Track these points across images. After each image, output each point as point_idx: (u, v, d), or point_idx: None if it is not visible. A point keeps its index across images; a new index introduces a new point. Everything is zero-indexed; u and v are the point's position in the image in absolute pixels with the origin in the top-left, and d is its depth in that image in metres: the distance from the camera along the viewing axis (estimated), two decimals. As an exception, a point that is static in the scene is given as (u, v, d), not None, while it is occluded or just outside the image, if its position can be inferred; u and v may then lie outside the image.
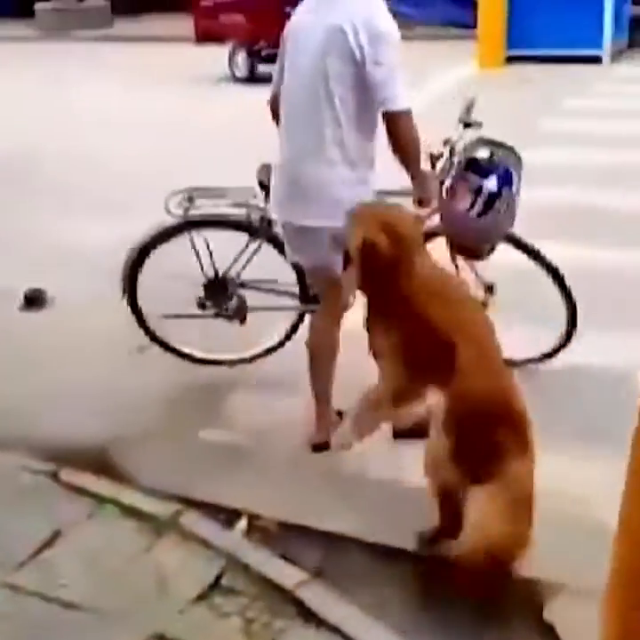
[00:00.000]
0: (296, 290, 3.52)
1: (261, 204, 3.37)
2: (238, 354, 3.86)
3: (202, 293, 3.64)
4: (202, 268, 3.58)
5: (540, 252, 3.49)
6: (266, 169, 3.26)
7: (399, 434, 3.24)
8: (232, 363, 3.86)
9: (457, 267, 3.56)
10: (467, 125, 3.41)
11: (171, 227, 3.55)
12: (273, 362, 3.83)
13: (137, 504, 2.88)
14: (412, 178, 3.00)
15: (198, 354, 3.89)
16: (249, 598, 2.42)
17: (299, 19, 3.00)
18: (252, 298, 3.68)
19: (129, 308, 3.77)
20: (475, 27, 12.60)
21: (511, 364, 3.65)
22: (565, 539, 2.70)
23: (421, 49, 10.54)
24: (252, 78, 12.29)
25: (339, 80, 2.83)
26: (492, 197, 3.07)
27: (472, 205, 3.07)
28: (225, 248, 3.58)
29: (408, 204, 3.16)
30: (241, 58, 12.55)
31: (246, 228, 3.51)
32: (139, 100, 10.97)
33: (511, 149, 3.21)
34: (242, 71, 12.55)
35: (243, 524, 2.87)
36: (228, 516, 2.89)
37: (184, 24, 17.62)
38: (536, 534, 2.68)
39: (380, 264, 2.54)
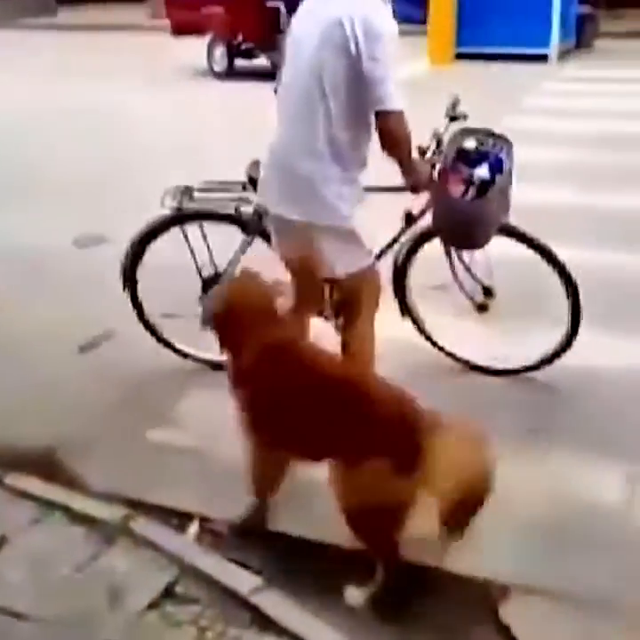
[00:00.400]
0: None
1: (252, 199, 3.37)
2: None
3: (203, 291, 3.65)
4: (196, 263, 3.59)
5: (551, 251, 3.41)
6: (256, 165, 3.27)
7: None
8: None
9: (454, 269, 3.56)
10: (453, 119, 3.43)
11: (163, 219, 3.58)
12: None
13: (86, 509, 2.81)
14: (404, 171, 2.99)
15: (197, 353, 3.85)
16: (202, 606, 2.37)
17: (300, 14, 2.98)
18: None
19: (130, 303, 3.76)
20: (425, 23, 12.67)
21: (508, 372, 3.68)
22: (517, 540, 2.72)
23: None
24: (231, 73, 12.17)
25: (332, 74, 2.79)
26: (485, 185, 3.05)
27: (465, 194, 3.05)
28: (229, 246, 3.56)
29: (398, 199, 3.24)
30: (219, 52, 12.35)
31: (237, 221, 3.51)
32: (101, 93, 10.73)
33: (500, 136, 3.21)
34: (220, 65, 12.38)
35: (194, 528, 2.82)
36: (179, 521, 2.84)
37: (134, 13, 17.42)
38: (489, 537, 2.69)
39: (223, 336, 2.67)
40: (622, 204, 5.86)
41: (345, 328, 3.22)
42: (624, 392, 3.56)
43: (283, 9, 11.69)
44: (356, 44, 2.72)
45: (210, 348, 3.77)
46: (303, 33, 2.88)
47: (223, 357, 3.68)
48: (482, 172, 3.05)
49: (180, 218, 3.56)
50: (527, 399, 3.57)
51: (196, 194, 3.52)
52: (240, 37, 12.09)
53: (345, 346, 3.20)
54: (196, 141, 7.89)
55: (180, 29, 13.12)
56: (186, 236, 3.57)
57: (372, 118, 2.85)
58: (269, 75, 11.66)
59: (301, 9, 3.00)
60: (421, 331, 3.78)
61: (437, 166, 3.17)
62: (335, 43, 2.74)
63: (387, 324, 3.35)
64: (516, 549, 2.68)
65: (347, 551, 2.65)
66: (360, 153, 2.96)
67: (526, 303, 3.82)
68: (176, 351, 3.88)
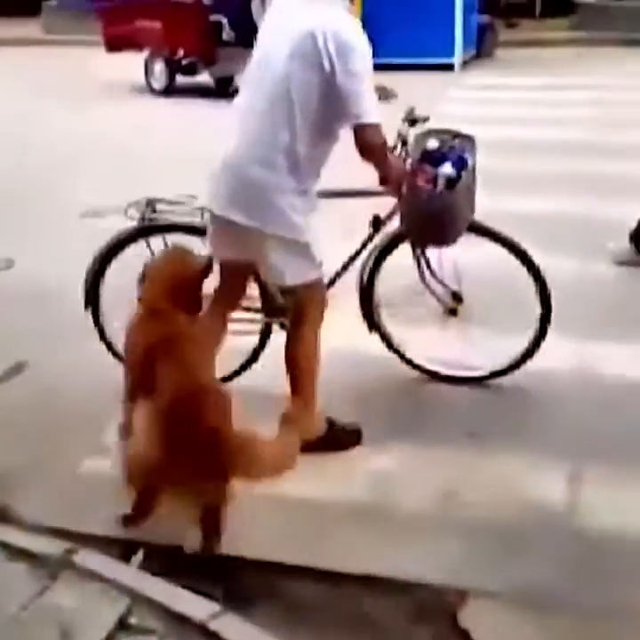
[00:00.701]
0: (258, 303, 3.43)
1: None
2: None
3: None
4: None
5: (525, 251, 3.46)
6: None
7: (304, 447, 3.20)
8: None
9: (422, 274, 3.54)
10: (412, 123, 3.46)
11: (127, 233, 3.48)
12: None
13: (24, 544, 2.67)
14: (381, 170, 3.03)
15: None
16: (159, 636, 2.28)
17: (266, 28, 2.97)
18: None
19: (92, 321, 3.61)
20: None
21: (477, 379, 3.67)
22: (467, 544, 2.74)
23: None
24: (172, 90, 11.51)
25: (302, 87, 2.78)
26: (452, 182, 3.09)
27: (418, 193, 3.08)
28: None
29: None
30: (159, 68, 11.63)
31: (202, 232, 3.41)
32: (20, 109, 10.14)
33: (462, 135, 3.26)
34: (160, 82, 11.66)
35: (139, 556, 2.74)
36: (124, 550, 2.74)
37: (26, 29, 16.97)
38: (438, 542, 2.72)
39: None
40: (527, 207, 5.95)
41: (289, 337, 3.21)
42: (563, 393, 3.62)
43: (225, 22, 11.34)
44: (329, 59, 2.72)
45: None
46: (271, 46, 2.86)
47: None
48: (446, 169, 3.09)
49: (144, 230, 3.46)
50: (467, 402, 3.60)
51: (158, 206, 3.44)
52: (181, 53, 11.53)
53: (288, 355, 3.19)
54: (128, 159, 7.64)
55: (114, 45, 12.17)
56: (151, 249, 3.46)
57: (338, 132, 2.89)
58: (212, 92, 11.43)
59: (267, 23, 2.99)
60: (389, 345, 3.71)
61: (407, 163, 3.21)
62: (306, 56, 2.74)
63: (332, 332, 3.33)
64: (468, 554, 2.70)
65: (299, 568, 2.64)
66: (318, 166, 2.98)
67: (493, 308, 3.78)
68: None
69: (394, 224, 3.46)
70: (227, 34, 11.34)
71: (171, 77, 11.65)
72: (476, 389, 3.68)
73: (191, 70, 11.73)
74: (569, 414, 3.48)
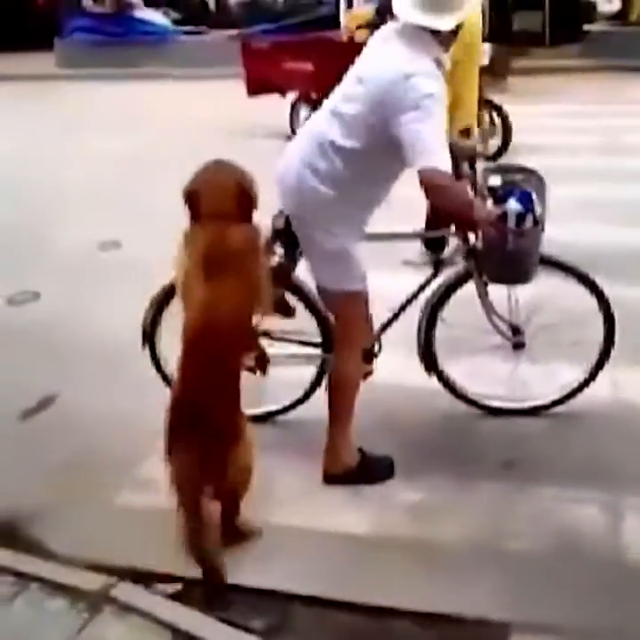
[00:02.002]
0: (318, 339, 3.40)
1: (279, 250, 3.26)
2: (264, 408, 3.63)
3: None
4: None
5: (596, 283, 3.43)
6: (282, 216, 3.15)
7: (331, 478, 3.20)
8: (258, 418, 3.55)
9: (488, 311, 3.48)
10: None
11: None
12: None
13: (63, 579, 2.68)
14: (463, 215, 3.02)
15: None
16: (204, 670, 2.29)
17: (371, 47, 3.05)
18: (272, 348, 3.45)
19: (150, 358, 3.59)
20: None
21: (533, 410, 3.63)
22: (513, 576, 2.72)
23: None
24: None
25: (375, 126, 2.84)
26: (520, 216, 3.04)
27: (505, 234, 3.05)
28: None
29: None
30: (305, 114, 10.20)
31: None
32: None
33: (525, 169, 3.25)
34: None
35: (177, 589, 2.73)
36: (162, 583, 2.74)
37: (40, 63, 17.05)
38: (478, 575, 2.70)
39: None
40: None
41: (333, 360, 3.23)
42: (599, 422, 3.58)
43: None
44: (406, 107, 2.74)
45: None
46: (360, 75, 2.96)
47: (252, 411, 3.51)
48: (511, 205, 3.04)
49: None
50: (501, 432, 3.56)
51: None
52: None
53: (328, 377, 3.22)
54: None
55: (258, 87, 10.75)
56: None
57: (397, 173, 2.98)
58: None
59: (370, 47, 3.05)
60: (451, 388, 3.63)
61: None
62: (387, 100, 2.79)
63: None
64: (509, 586, 2.68)
65: (337, 602, 2.62)
66: (371, 200, 3.04)
67: (555, 339, 3.64)
68: None
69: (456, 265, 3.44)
70: None
71: None
72: (511, 419, 3.64)
73: None
74: (605, 443, 3.44)
